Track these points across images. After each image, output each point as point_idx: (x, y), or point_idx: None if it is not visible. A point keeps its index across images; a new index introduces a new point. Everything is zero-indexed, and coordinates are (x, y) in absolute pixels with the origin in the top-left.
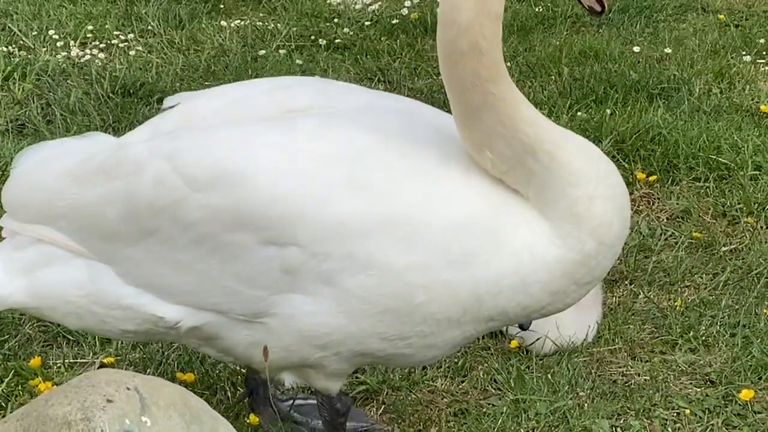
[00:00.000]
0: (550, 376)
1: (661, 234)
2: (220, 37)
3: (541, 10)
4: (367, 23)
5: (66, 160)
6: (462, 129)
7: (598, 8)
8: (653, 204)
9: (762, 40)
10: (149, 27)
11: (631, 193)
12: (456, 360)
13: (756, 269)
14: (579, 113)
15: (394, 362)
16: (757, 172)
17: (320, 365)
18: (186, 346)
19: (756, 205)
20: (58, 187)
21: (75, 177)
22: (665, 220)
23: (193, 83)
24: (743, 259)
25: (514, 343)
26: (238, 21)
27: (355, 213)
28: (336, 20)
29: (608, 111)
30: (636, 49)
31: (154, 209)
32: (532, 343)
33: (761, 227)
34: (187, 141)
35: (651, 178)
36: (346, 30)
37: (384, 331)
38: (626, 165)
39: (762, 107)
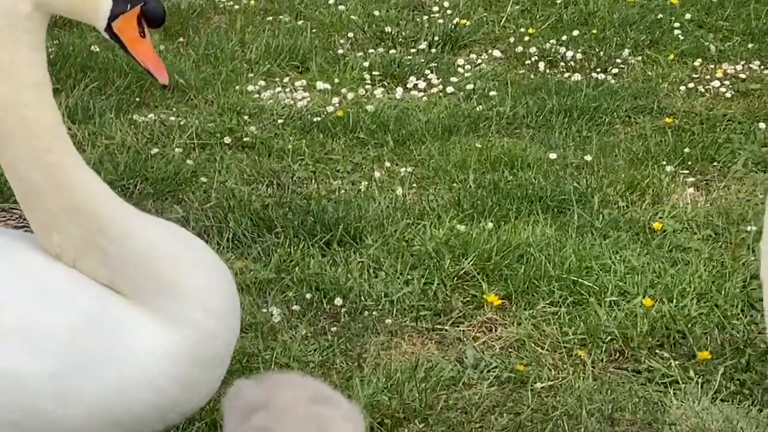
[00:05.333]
0: None
1: (485, 366)
2: (128, 131)
3: (482, 108)
4: (280, 121)
5: None
6: (29, 213)
7: (164, 81)
8: (494, 331)
9: (687, 149)
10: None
11: (474, 318)
12: None
13: (561, 408)
14: (459, 225)
15: None
16: (620, 298)
17: None
18: None
19: (605, 335)
20: None
21: None
22: (497, 350)
23: None
24: (554, 396)
25: None
26: (152, 116)
27: None
28: (246, 117)
29: (490, 224)
30: (552, 155)
31: None
32: None
33: (595, 360)
34: None
35: (497, 303)
36: (252, 128)
37: None
38: (484, 286)
39: (655, 224)
